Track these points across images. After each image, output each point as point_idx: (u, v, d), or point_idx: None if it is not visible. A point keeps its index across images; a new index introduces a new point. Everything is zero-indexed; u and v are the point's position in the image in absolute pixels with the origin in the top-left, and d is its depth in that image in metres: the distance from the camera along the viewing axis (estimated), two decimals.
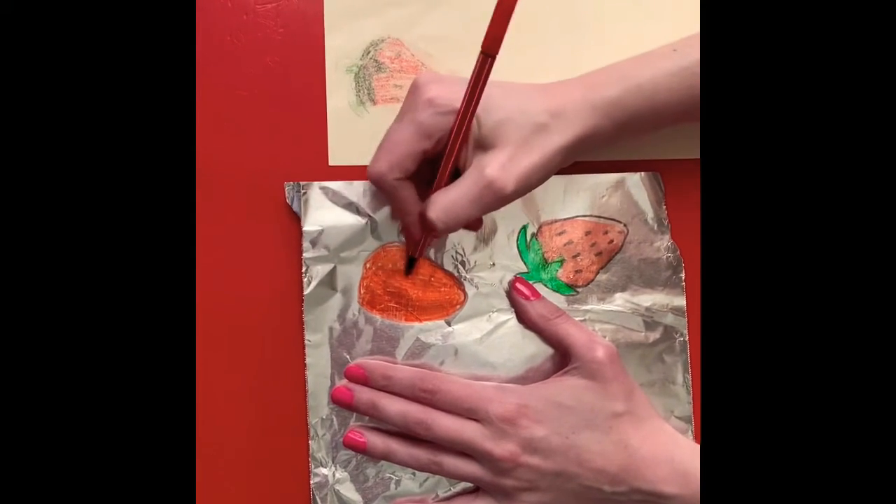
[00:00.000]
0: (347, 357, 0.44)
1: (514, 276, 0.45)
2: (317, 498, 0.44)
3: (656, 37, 0.42)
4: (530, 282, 0.45)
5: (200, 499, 0.44)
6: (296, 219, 0.45)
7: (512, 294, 0.44)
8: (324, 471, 0.44)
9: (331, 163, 0.45)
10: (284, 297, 0.45)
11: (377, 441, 0.41)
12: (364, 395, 0.41)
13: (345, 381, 0.42)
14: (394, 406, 0.40)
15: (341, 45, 0.46)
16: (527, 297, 0.43)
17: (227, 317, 0.45)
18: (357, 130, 0.46)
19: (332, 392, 0.42)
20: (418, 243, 0.43)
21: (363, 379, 0.41)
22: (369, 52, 0.46)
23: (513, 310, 0.45)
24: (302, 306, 0.44)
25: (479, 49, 0.36)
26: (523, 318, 0.44)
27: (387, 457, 0.41)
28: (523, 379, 0.43)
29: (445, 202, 0.38)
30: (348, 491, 0.44)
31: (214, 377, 0.45)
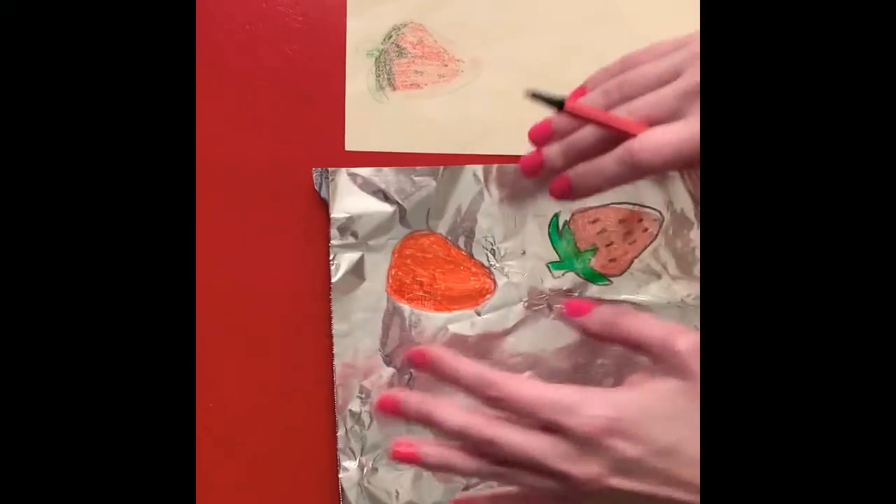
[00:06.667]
0: (376, 346, 0.43)
1: (563, 301, 0.42)
2: (345, 491, 0.43)
3: None
4: (561, 270, 0.44)
5: (228, 491, 0.43)
6: (322, 206, 0.44)
7: (567, 319, 0.38)
8: (352, 463, 0.43)
9: (347, 147, 0.45)
10: (311, 286, 0.44)
11: (432, 451, 0.36)
12: (413, 402, 0.36)
13: (386, 391, 0.38)
14: (452, 419, 0.35)
15: (363, 28, 0.45)
16: (584, 314, 0.37)
17: (253, 305, 0.44)
18: (375, 115, 0.45)
19: (378, 403, 0.37)
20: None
21: (425, 365, 0.36)
22: (391, 37, 0.45)
23: (544, 299, 0.44)
24: (329, 295, 0.44)
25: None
26: (588, 335, 0.38)
27: (446, 468, 0.36)
28: (571, 373, 0.41)
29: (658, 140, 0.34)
30: (377, 485, 0.43)
31: (240, 367, 0.44)
